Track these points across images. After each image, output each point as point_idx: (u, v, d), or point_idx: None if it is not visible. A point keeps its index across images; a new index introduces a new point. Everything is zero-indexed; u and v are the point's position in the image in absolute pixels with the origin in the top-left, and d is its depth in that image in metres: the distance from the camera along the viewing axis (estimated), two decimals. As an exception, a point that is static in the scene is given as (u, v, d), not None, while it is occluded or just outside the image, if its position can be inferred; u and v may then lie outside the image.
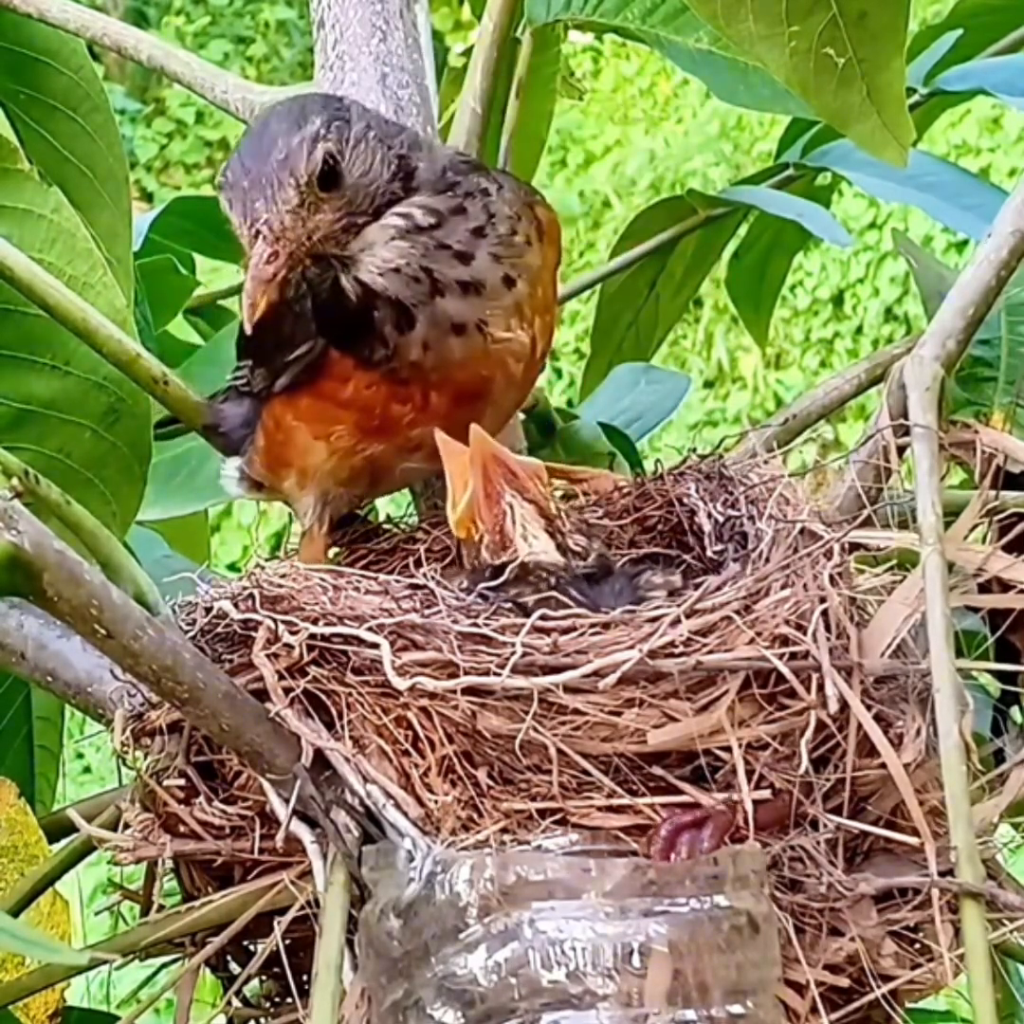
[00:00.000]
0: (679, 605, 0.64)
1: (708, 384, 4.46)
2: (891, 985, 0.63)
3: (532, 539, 0.70)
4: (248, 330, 0.68)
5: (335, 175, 0.68)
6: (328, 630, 0.64)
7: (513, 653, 0.62)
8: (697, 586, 0.66)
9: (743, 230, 1.29)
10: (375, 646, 0.63)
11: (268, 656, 0.65)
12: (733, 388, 4.47)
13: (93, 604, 0.58)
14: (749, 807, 0.62)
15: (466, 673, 0.62)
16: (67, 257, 0.81)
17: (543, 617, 0.63)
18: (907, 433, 0.71)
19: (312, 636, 0.64)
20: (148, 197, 5.37)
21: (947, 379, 0.73)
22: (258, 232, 0.67)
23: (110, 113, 0.98)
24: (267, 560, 0.76)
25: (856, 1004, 0.63)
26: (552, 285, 0.76)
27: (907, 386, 0.72)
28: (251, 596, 0.67)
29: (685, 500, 0.78)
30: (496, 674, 0.62)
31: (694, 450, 0.80)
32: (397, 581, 0.69)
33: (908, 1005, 0.66)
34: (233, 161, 0.69)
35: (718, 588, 0.65)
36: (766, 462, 0.76)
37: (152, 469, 0.85)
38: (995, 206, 0.75)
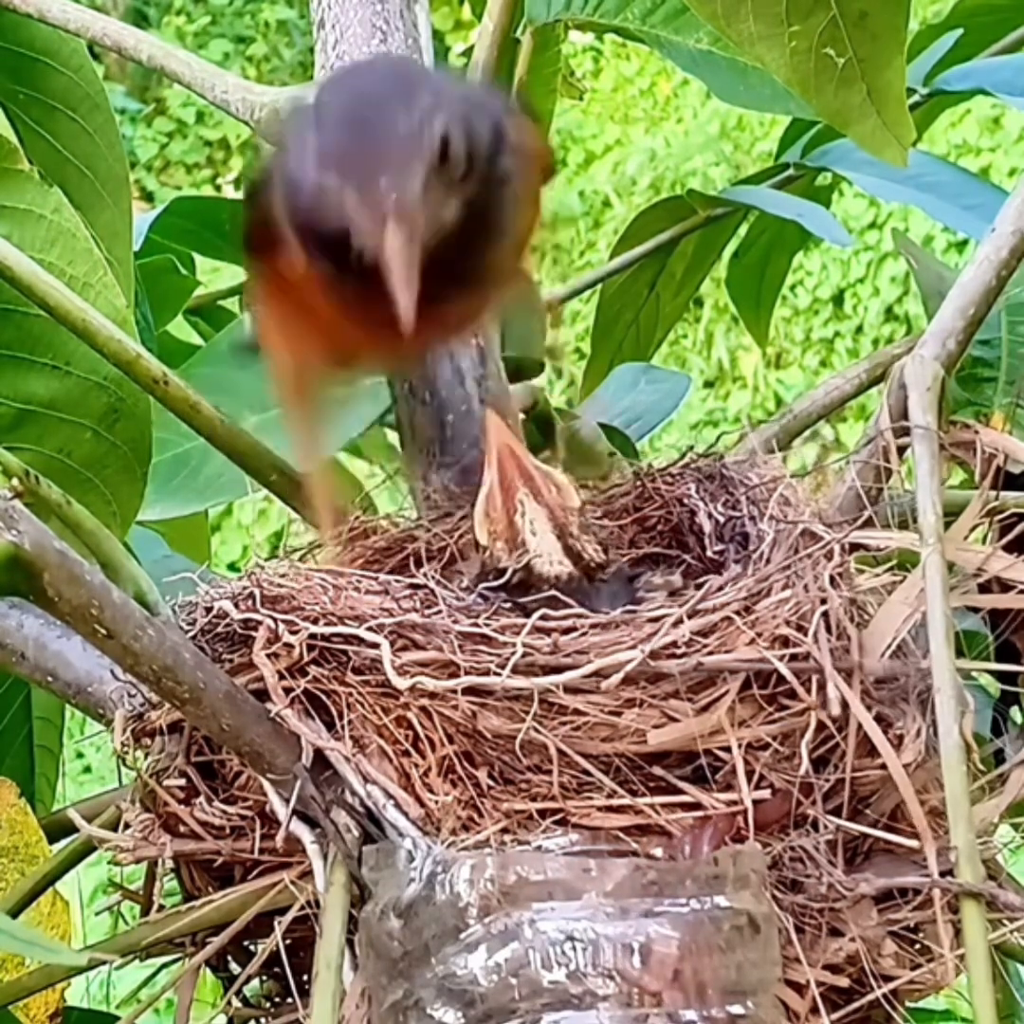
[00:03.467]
0: (681, 606, 0.64)
1: (708, 384, 4.46)
2: (891, 985, 0.63)
3: (541, 539, 0.70)
4: (410, 322, 0.62)
5: (449, 152, 0.63)
6: (328, 630, 0.64)
7: (514, 653, 0.62)
8: (698, 586, 0.66)
9: (743, 230, 1.29)
10: (375, 646, 0.63)
11: (268, 656, 0.65)
12: (734, 388, 4.47)
13: (93, 604, 0.58)
14: (749, 807, 0.62)
15: (467, 673, 0.62)
16: (67, 257, 0.81)
17: (543, 617, 0.63)
18: (907, 433, 0.71)
19: (312, 636, 0.64)
20: (148, 197, 5.37)
21: (947, 379, 0.73)
22: (387, 213, 0.61)
23: (110, 113, 0.98)
24: (267, 559, 0.76)
25: (856, 1004, 0.63)
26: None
27: (907, 386, 0.72)
28: (251, 596, 0.67)
29: (685, 500, 0.78)
30: (496, 674, 0.62)
31: (692, 448, 0.80)
32: (397, 581, 0.69)
33: (908, 1005, 0.66)
34: (334, 136, 0.64)
35: (720, 588, 0.65)
36: (766, 462, 0.76)
37: (152, 469, 0.85)
38: (996, 206, 0.75)
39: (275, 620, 0.65)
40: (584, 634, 0.63)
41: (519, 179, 0.68)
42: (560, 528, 0.70)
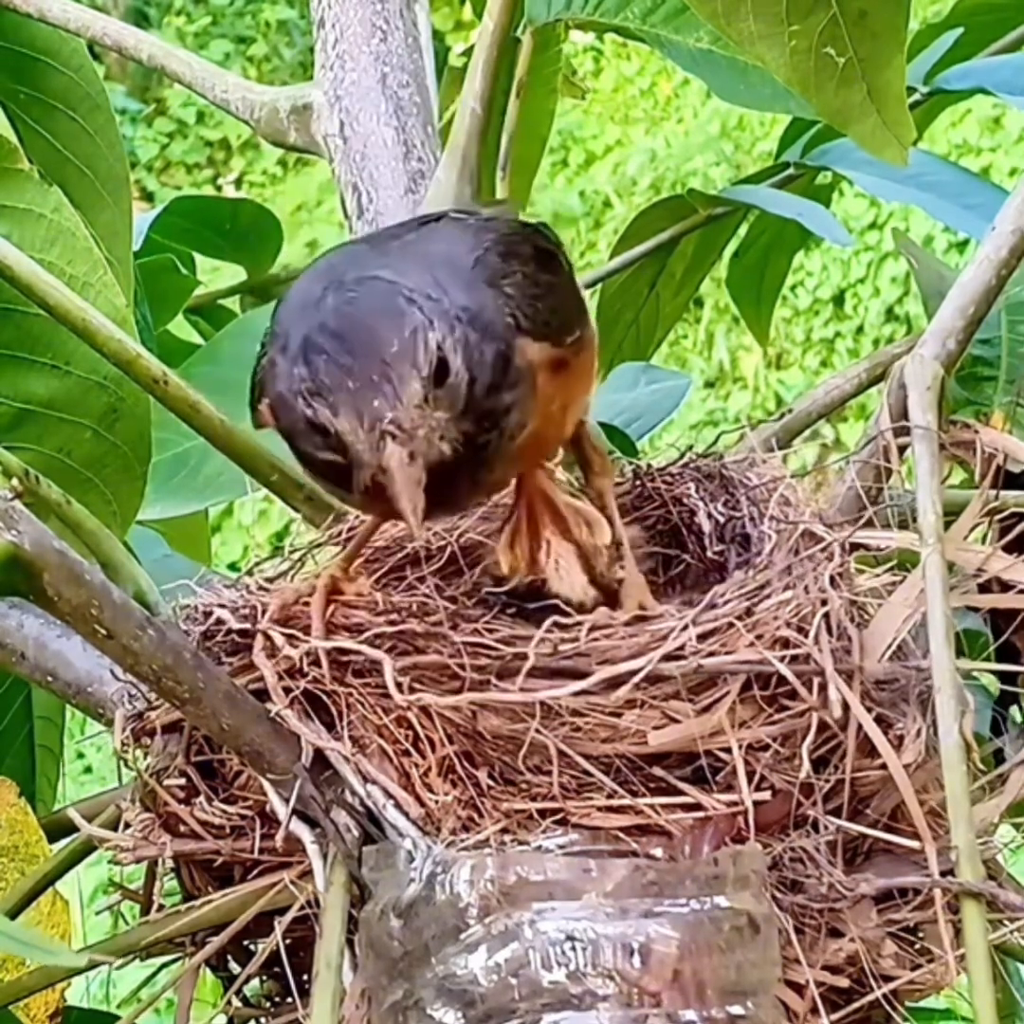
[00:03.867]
0: (687, 613, 0.64)
1: (709, 384, 4.46)
2: (891, 985, 0.63)
3: (566, 574, 0.69)
4: (419, 535, 0.62)
5: (445, 368, 0.61)
6: (328, 644, 0.64)
7: (517, 661, 0.62)
8: (702, 592, 0.66)
9: (743, 230, 1.29)
10: (377, 662, 0.63)
11: (268, 656, 0.65)
12: (734, 388, 4.47)
13: (93, 604, 0.58)
14: (750, 808, 0.62)
15: (470, 688, 0.62)
16: (67, 257, 0.81)
17: (550, 627, 0.63)
18: (907, 433, 0.71)
19: (311, 651, 0.64)
20: (149, 197, 5.38)
21: (947, 379, 0.73)
22: (384, 433, 0.59)
23: (110, 113, 0.99)
24: (267, 559, 0.76)
25: (856, 1004, 0.63)
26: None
27: (907, 386, 0.72)
28: (251, 607, 0.67)
29: (685, 500, 0.78)
30: (499, 687, 0.61)
31: (691, 447, 0.80)
32: (397, 583, 0.69)
33: (908, 1004, 0.66)
34: (319, 363, 0.61)
35: (724, 598, 0.65)
36: (765, 462, 0.76)
37: (152, 468, 0.85)
38: (996, 205, 0.75)
39: (271, 636, 0.65)
40: (589, 641, 0.63)
41: (536, 377, 0.65)
42: (588, 565, 0.70)
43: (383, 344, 0.60)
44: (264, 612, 0.66)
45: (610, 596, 0.70)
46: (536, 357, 0.65)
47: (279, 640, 0.65)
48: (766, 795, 0.62)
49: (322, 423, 0.61)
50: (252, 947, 0.70)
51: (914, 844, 0.63)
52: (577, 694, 0.61)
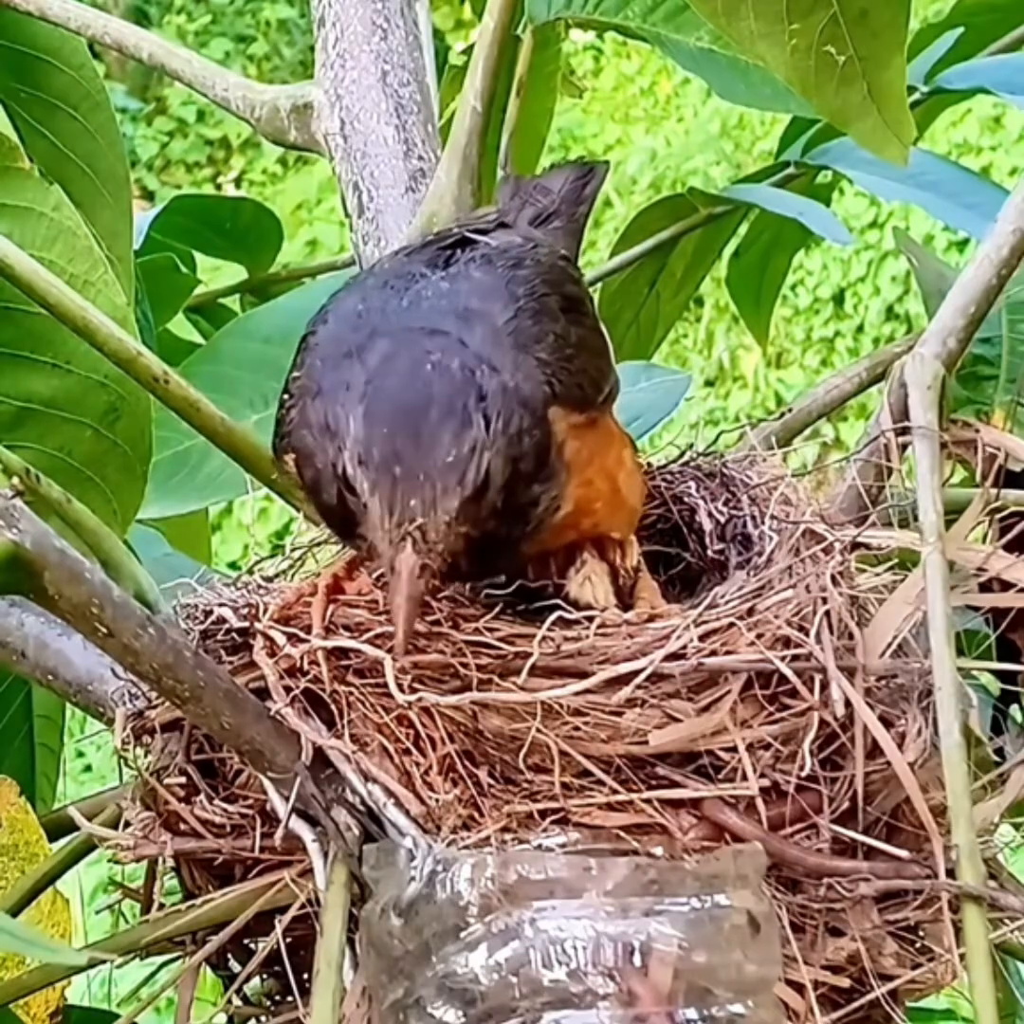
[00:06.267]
0: (689, 612, 0.64)
1: (709, 383, 4.46)
2: (892, 985, 0.63)
3: (595, 587, 0.69)
4: (401, 658, 0.61)
5: (485, 487, 0.60)
6: (329, 643, 0.64)
7: (519, 660, 0.62)
8: (704, 590, 0.66)
9: (744, 229, 1.29)
10: (379, 662, 0.63)
11: (269, 655, 0.65)
12: (734, 387, 4.47)
13: (94, 603, 0.58)
14: (761, 805, 0.62)
15: (472, 687, 0.62)
16: (68, 255, 0.81)
17: (552, 626, 0.63)
18: (908, 432, 0.71)
19: (312, 650, 0.64)
20: (149, 195, 5.38)
21: (948, 377, 0.73)
22: (408, 535, 0.59)
23: (111, 111, 0.99)
24: (267, 557, 0.76)
25: (857, 1004, 0.63)
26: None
27: (908, 385, 0.72)
28: (251, 606, 0.67)
29: (685, 498, 0.78)
30: (501, 687, 0.61)
31: (691, 446, 0.80)
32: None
33: (909, 1004, 0.66)
34: (375, 433, 0.59)
35: (725, 597, 0.65)
36: (765, 461, 0.76)
37: (152, 467, 0.85)
38: (996, 205, 0.75)
39: (270, 636, 0.65)
40: (591, 641, 0.63)
41: (566, 448, 0.64)
42: (617, 584, 0.70)
43: (441, 449, 0.59)
44: (265, 611, 0.66)
45: (625, 603, 0.70)
46: (567, 425, 0.64)
47: (280, 639, 0.65)
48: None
49: (355, 488, 0.60)
50: (252, 946, 0.70)
51: (904, 853, 0.63)
52: (578, 693, 0.61)
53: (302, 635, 0.65)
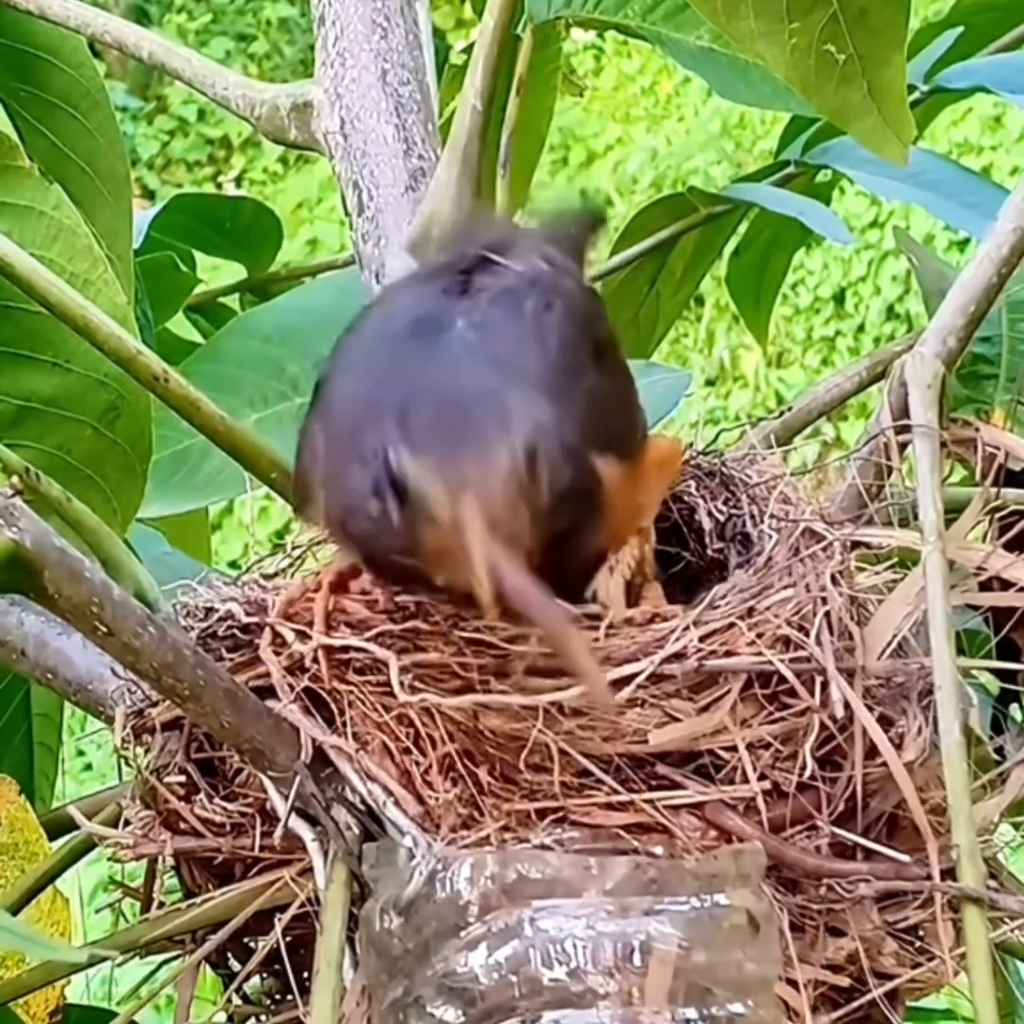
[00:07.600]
0: (689, 613, 0.64)
1: (709, 382, 4.46)
2: (891, 984, 0.63)
3: (601, 586, 0.69)
4: (492, 613, 0.58)
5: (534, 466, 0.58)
6: (336, 642, 0.64)
7: (520, 659, 0.62)
8: (704, 590, 0.66)
9: (744, 228, 1.29)
10: (385, 662, 0.63)
11: (274, 652, 0.65)
12: (734, 386, 4.47)
13: (94, 601, 0.58)
14: (762, 805, 0.62)
15: (473, 687, 0.62)
16: (67, 254, 0.81)
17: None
18: (908, 431, 0.71)
19: (316, 647, 0.64)
20: (150, 194, 5.38)
21: (948, 377, 0.73)
22: (464, 487, 0.57)
23: (111, 110, 0.99)
24: (267, 556, 0.76)
25: (856, 1003, 0.63)
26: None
27: (908, 384, 0.72)
28: (254, 603, 0.67)
29: (685, 498, 0.78)
30: (502, 690, 0.61)
31: (691, 445, 0.79)
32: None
33: (909, 1003, 0.66)
34: (430, 420, 0.58)
35: (725, 597, 0.65)
36: (765, 460, 0.76)
37: (152, 466, 0.85)
38: (997, 204, 0.75)
39: (278, 630, 0.65)
40: (593, 641, 0.63)
41: (604, 496, 0.62)
42: (629, 584, 0.70)
43: (496, 450, 0.57)
44: (269, 608, 0.66)
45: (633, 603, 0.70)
46: (608, 475, 0.63)
47: (289, 635, 0.65)
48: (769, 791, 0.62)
49: (401, 469, 0.57)
50: (252, 944, 0.70)
51: (904, 857, 0.63)
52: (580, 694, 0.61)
53: (309, 631, 0.65)
